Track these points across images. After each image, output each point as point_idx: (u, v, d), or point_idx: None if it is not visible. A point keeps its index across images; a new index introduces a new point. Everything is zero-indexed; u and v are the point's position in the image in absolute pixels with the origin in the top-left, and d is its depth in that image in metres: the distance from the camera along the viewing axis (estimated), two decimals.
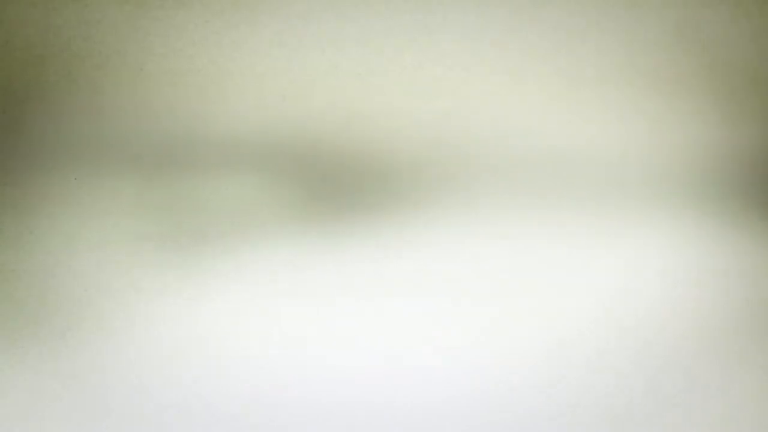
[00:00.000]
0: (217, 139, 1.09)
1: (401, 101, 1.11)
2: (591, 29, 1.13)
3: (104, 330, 1.07)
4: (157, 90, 1.09)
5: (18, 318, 1.06)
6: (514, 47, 1.12)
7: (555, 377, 1.10)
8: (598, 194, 1.11)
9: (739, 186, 1.12)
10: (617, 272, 1.11)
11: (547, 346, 1.10)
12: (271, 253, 1.09)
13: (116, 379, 1.07)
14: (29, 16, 1.08)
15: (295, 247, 1.09)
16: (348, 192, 1.10)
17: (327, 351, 1.09)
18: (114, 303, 1.07)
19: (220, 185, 1.09)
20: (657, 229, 1.11)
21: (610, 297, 1.11)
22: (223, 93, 1.10)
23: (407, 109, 1.11)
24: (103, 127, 1.09)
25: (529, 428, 1.09)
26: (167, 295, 1.08)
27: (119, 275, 1.07)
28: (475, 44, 1.12)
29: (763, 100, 1.13)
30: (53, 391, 1.06)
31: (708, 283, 1.11)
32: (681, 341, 1.11)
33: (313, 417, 1.08)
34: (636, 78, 1.13)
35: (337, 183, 1.10)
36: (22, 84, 1.08)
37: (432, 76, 1.12)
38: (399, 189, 1.10)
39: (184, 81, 1.09)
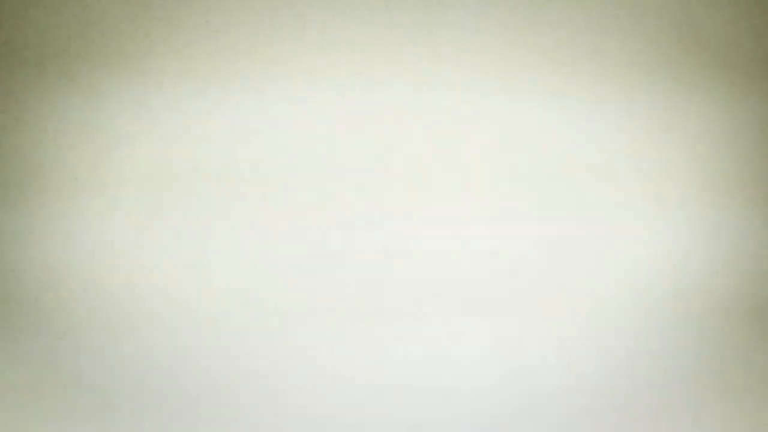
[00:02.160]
0: (215, 140, 1.09)
1: (400, 101, 1.11)
2: (591, 29, 1.13)
3: (104, 330, 1.07)
4: (158, 90, 1.09)
5: (18, 318, 1.06)
6: (513, 47, 1.12)
7: (559, 377, 1.10)
8: (597, 193, 1.11)
9: (739, 181, 1.12)
10: (618, 268, 1.11)
11: (554, 345, 1.10)
12: (276, 246, 1.09)
13: (116, 378, 1.07)
14: (29, 16, 1.09)
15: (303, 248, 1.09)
16: (352, 191, 1.10)
17: (329, 356, 1.09)
18: (113, 303, 1.07)
19: (220, 184, 1.09)
20: (659, 225, 1.11)
21: (613, 295, 1.11)
22: (223, 93, 1.10)
23: (406, 108, 1.11)
24: (103, 126, 1.09)
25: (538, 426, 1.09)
26: (167, 295, 1.07)
27: (118, 275, 1.07)
28: (474, 43, 1.12)
29: (762, 98, 1.13)
30: (53, 390, 1.06)
31: (708, 272, 1.11)
32: (682, 330, 1.11)
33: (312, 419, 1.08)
34: (635, 78, 1.13)
35: (337, 182, 1.10)
36: (22, 83, 1.08)
37: (430, 76, 1.12)
38: (400, 188, 1.10)
39: (184, 80, 1.09)
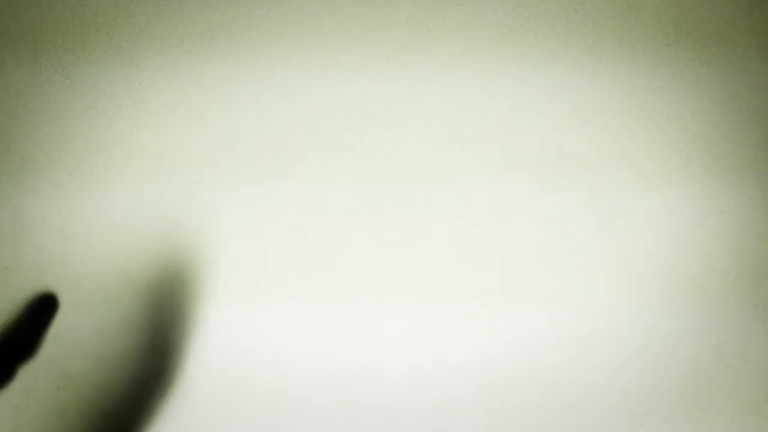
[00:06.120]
0: (213, 139, 1.09)
1: (398, 98, 1.11)
2: (588, 27, 1.13)
3: (99, 329, 1.07)
4: (153, 86, 1.09)
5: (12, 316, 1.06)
6: (510, 46, 1.12)
7: (556, 369, 1.10)
8: (594, 189, 1.11)
9: (739, 178, 1.12)
10: (615, 261, 1.11)
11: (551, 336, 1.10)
12: (268, 256, 1.09)
13: (111, 379, 1.06)
14: (23, 11, 1.08)
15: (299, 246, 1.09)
16: (349, 186, 1.10)
17: (323, 350, 1.09)
18: (109, 301, 1.07)
19: (215, 184, 1.09)
20: (656, 222, 1.11)
21: (610, 289, 1.10)
22: (221, 89, 1.10)
23: (404, 106, 1.11)
24: (98, 121, 1.08)
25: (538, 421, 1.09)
26: (165, 289, 1.07)
27: (114, 273, 1.07)
28: (471, 42, 1.12)
29: (762, 96, 1.13)
30: (48, 390, 1.06)
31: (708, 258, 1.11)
32: (681, 326, 1.11)
33: (310, 415, 1.08)
34: (634, 76, 1.13)
35: (334, 177, 1.10)
36: (16, 79, 1.08)
37: (428, 74, 1.12)
38: (398, 184, 1.10)
39: (179, 75, 1.09)
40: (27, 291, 1.06)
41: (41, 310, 0.97)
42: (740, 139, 1.12)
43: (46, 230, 1.07)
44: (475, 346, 1.09)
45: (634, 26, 1.13)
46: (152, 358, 1.06)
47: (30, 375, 1.06)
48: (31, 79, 1.08)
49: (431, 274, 1.10)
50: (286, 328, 1.08)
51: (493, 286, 1.10)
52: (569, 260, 1.10)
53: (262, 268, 1.08)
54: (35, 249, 1.06)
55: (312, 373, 1.08)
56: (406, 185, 1.10)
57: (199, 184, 1.08)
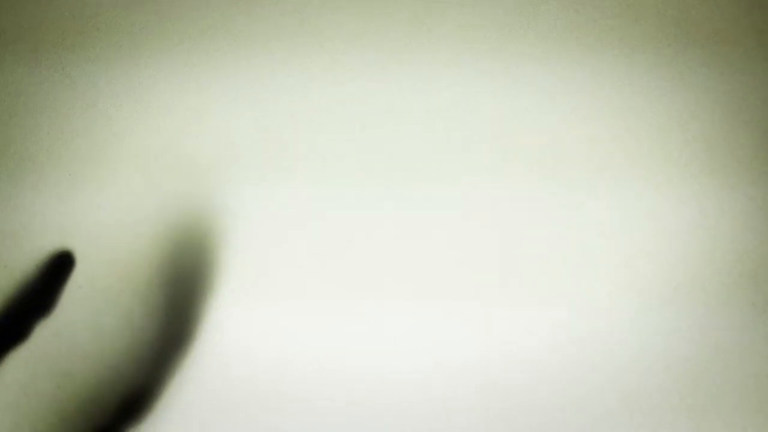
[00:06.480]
0: (213, 138, 1.09)
1: (398, 98, 1.11)
2: (588, 27, 1.13)
3: (98, 328, 1.06)
4: (153, 84, 1.08)
5: None
6: (510, 46, 1.12)
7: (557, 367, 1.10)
8: (593, 188, 1.11)
9: (740, 179, 1.12)
10: (614, 261, 1.10)
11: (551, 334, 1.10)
12: (267, 262, 1.09)
13: (109, 378, 1.06)
14: (23, 10, 1.08)
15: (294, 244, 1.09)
16: (348, 186, 1.10)
17: (322, 352, 1.08)
18: (108, 301, 1.06)
19: (214, 183, 1.09)
20: (655, 222, 1.11)
21: (609, 288, 1.10)
22: (221, 89, 1.09)
23: (404, 106, 1.11)
24: (98, 121, 1.08)
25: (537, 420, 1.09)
26: (162, 294, 1.07)
27: (114, 273, 1.07)
28: (471, 42, 1.12)
29: (762, 96, 1.13)
30: (47, 389, 1.06)
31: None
32: (681, 326, 1.11)
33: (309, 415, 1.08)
34: (634, 77, 1.13)
35: (334, 177, 1.10)
36: (15, 78, 1.08)
37: (428, 74, 1.11)
38: (398, 184, 1.10)
39: (179, 75, 1.09)
40: None
41: (57, 268, 0.97)
42: (740, 139, 1.12)
43: (45, 229, 1.06)
44: (475, 346, 1.09)
45: (634, 26, 1.13)
46: (153, 359, 1.06)
47: (29, 374, 1.05)
48: (30, 77, 1.08)
49: (431, 274, 1.09)
50: (286, 327, 1.08)
51: (493, 286, 1.09)
52: (569, 260, 1.10)
53: (262, 268, 1.08)
54: (35, 248, 1.06)
55: (312, 373, 1.07)
56: (406, 185, 1.10)
57: (199, 183, 1.08)
